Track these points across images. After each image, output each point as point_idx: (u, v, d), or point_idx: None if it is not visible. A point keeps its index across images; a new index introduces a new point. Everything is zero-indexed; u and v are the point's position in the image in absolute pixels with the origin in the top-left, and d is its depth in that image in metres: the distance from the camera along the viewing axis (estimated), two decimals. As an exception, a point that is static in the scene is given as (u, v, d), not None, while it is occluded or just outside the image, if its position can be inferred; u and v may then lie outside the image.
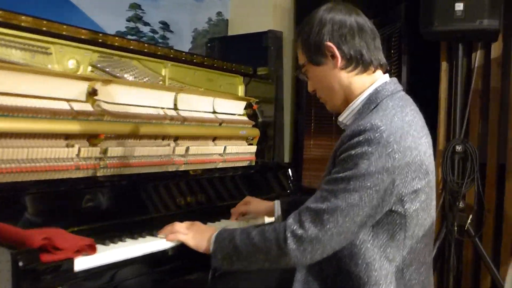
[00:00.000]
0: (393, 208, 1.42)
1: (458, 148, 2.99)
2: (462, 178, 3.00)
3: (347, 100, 1.58)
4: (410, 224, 1.44)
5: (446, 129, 3.24)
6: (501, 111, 3.04)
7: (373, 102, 1.52)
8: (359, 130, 1.40)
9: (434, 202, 1.53)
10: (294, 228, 1.43)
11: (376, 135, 1.38)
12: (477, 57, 3.12)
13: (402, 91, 1.57)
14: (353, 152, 1.39)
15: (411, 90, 3.31)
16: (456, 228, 2.94)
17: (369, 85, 1.55)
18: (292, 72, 3.71)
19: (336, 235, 1.40)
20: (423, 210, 1.46)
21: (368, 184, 1.37)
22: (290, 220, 1.45)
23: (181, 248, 1.67)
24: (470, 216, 2.93)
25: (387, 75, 1.61)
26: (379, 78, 1.57)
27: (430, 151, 1.50)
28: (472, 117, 3.14)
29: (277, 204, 1.98)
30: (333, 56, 1.54)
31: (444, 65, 3.25)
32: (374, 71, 1.57)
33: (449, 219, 2.96)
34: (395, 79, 1.59)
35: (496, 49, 3.05)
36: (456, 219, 2.94)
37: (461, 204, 2.97)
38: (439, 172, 3.12)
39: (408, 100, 1.56)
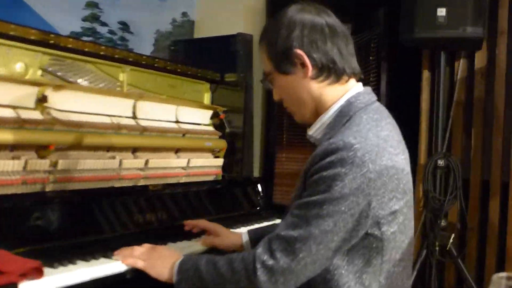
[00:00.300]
0: (369, 231, 1.42)
1: (440, 162, 3.05)
2: (444, 194, 3.06)
3: (318, 112, 1.56)
4: (387, 247, 1.44)
5: (427, 142, 3.29)
6: (485, 124, 3.11)
7: (345, 115, 1.50)
8: (331, 149, 1.39)
9: (412, 223, 1.54)
10: (264, 258, 1.42)
11: (350, 154, 1.37)
12: (460, 66, 3.19)
13: (377, 102, 1.57)
14: (325, 173, 1.38)
15: (390, 100, 3.38)
16: (437, 248, 2.98)
17: (341, 96, 1.54)
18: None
19: (310, 264, 1.40)
20: (401, 232, 1.46)
21: (343, 209, 1.37)
22: (260, 250, 1.44)
23: (139, 272, 1.65)
24: (453, 236, 2.98)
25: (360, 84, 1.60)
26: (352, 88, 1.56)
27: (407, 168, 1.50)
28: (455, 130, 3.20)
29: (244, 236, 1.96)
30: (303, 65, 1.51)
31: (426, 74, 3.31)
32: (347, 80, 1.56)
33: (430, 239, 3.01)
34: (369, 89, 1.59)
35: (480, 58, 3.13)
36: (437, 239, 2.99)
37: (443, 223, 3.02)
38: (420, 189, 3.17)
39: (384, 112, 1.55)
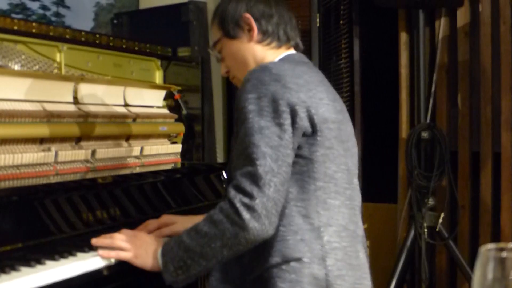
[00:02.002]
0: (298, 152, 1.63)
1: (424, 134, 3.10)
2: (430, 170, 3.11)
3: None
4: (318, 171, 1.64)
5: (409, 112, 3.35)
6: (471, 89, 3.17)
7: None
8: (248, 74, 1.66)
9: (344, 161, 1.71)
10: (240, 197, 1.56)
11: (266, 72, 1.64)
12: (441, 26, 3.25)
13: (310, 63, 1.86)
14: (249, 95, 1.62)
15: (365, 68, 3.42)
16: (426, 230, 3.04)
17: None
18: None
19: (280, 185, 1.56)
20: (330, 160, 1.66)
21: (277, 121, 1.58)
22: (232, 193, 1.57)
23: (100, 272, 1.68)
24: (442, 215, 3.04)
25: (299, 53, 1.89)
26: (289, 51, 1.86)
27: (328, 101, 1.70)
28: (439, 98, 3.26)
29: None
30: (250, 30, 1.81)
31: (403, 37, 3.36)
32: (288, 48, 1.86)
33: (417, 220, 3.06)
34: (302, 55, 1.87)
35: (462, 16, 3.18)
36: (425, 220, 3.05)
37: (430, 201, 3.08)
38: (402, 165, 3.23)
39: (313, 69, 1.82)
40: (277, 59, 1.81)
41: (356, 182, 1.79)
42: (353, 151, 1.79)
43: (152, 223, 2.06)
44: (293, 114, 1.60)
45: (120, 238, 1.77)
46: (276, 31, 1.82)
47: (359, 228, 1.76)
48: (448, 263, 3.23)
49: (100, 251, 1.74)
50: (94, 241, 1.77)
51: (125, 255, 1.74)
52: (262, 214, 1.54)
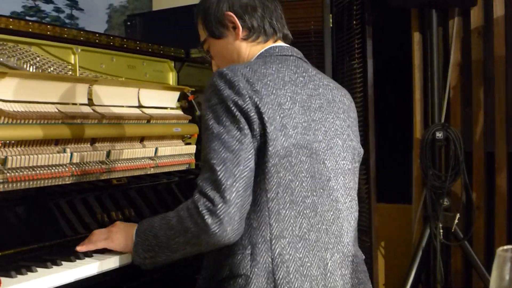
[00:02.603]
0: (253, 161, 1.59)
1: (439, 135, 3.08)
2: (445, 170, 3.10)
3: None
4: (269, 182, 1.60)
5: (423, 113, 3.34)
6: (485, 89, 3.16)
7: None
8: (209, 80, 1.65)
9: (307, 167, 1.65)
10: (203, 201, 1.56)
11: (221, 78, 1.62)
12: (455, 25, 3.23)
13: (294, 56, 1.79)
14: (208, 103, 1.62)
15: (378, 68, 3.41)
16: (441, 230, 3.03)
17: None
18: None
19: (243, 191, 1.55)
20: (285, 169, 1.61)
21: (236, 125, 1.57)
22: (197, 195, 1.58)
23: (113, 273, 1.70)
24: (457, 216, 3.02)
25: (284, 43, 1.84)
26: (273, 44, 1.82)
27: (290, 105, 1.65)
28: (453, 98, 3.25)
29: None
30: (234, 27, 1.80)
31: (416, 37, 3.35)
32: (276, 41, 1.83)
33: (432, 221, 3.05)
34: (290, 47, 1.82)
35: (475, 15, 3.17)
36: (441, 220, 3.03)
37: (445, 202, 3.06)
38: (417, 165, 3.22)
39: (292, 62, 1.76)
40: (256, 56, 1.79)
41: (335, 184, 1.70)
42: (334, 151, 1.71)
43: None
44: (248, 121, 1.58)
45: (99, 231, 1.84)
46: (262, 25, 1.80)
47: (332, 235, 1.68)
48: (463, 264, 3.22)
49: (78, 247, 1.79)
50: (78, 247, 1.80)
51: (102, 243, 1.79)
52: (224, 220, 1.53)
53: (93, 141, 2.26)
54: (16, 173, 1.94)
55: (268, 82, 1.64)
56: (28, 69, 2.17)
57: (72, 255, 1.73)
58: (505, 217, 3.07)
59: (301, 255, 1.62)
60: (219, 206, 1.53)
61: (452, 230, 3.04)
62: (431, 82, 3.19)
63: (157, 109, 2.62)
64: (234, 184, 1.54)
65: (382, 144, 3.47)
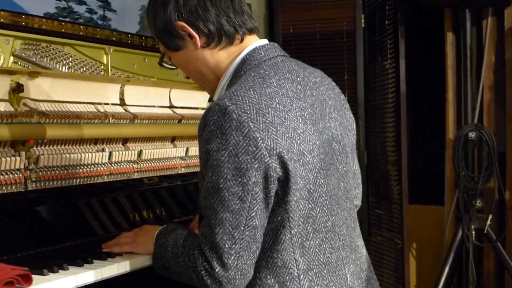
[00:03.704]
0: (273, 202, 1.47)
1: (472, 135, 3.04)
2: (478, 171, 3.05)
3: (219, 79, 1.63)
4: (293, 219, 1.47)
5: (456, 113, 3.29)
6: (520, 88, 3.10)
7: (237, 75, 1.57)
8: (207, 117, 1.45)
9: (325, 188, 1.54)
10: (202, 261, 1.48)
11: (226, 118, 1.41)
12: (488, 25, 3.18)
13: (279, 58, 1.60)
14: (209, 146, 1.43)
15: (411, 68, 3.37)
16: (473, 232, 2.98)
17: (237, 55, 1.60)
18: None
19: (244, 251, 1.45)
20: (305, 199, 1.48)
21: (240, 180, 1.41)
22: (197, 251, 1.49)
23: (143, 272, 1.69)
24: (490, 217, 2.98)
25: (261, 40, 1.64)
26: (250, 45, 1.61)
27: (304, 127, 1.50)
28: (486, 98, 3.20)
29: None
30: (190, 36, 1.58)
31: (449, 37, 3.31)
32: (241, 40, 1.61)
33: (465, 222, 3.01)
34: (272, 44, 1.63)
35: (509, 15, 3.12)
36: (473, 222, 2.99)
37: (478, 203, 3.01)
38: (450, 166, 3.17)
39: (283, 67, 1.57)
40: (235, 62, 1.59)
41: (340, 191, 1.59)
42: (335, 158, 1.58)
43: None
44: (262, 168, 1.41)
45: (124, 235, 1.81)
46: (219, 27, 1.57)
47: (347, 248, 1.61)
48: (496, 266, 3.16)
49: (104, 247, 1.78)
50: (104, 245, 1.79)
51: (127, 246, 1.75)
52: (223, 282, 1.46)
53: (124, 141, 2.27)
54: (49, 172, 1.94)
55: (278, 106, 1.47)
56: (60, 69, 2.18)
57: (103, 253, 1.73)
58: (539, 219, 3.01)
59: (326, 281, 1.54)
60: (217, 270, 1.45)
61: (485, 232, 2.99)
62: (464, 83, 3.14)
63: (188, 109, 2.62)
64: (233, 246, 1.43)
65: (415, 145, 3.43)
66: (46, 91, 2.02)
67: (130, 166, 2.24)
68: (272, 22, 3.74)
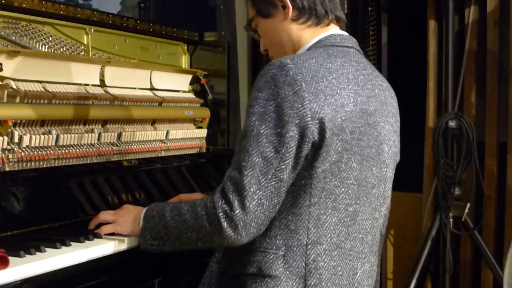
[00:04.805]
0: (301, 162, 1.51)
1: (452, 124, 3.05)
2: (457, 160, 3.07)
3: None
4: (315, 187, 1.52)
5: (436, 101, 3.30)
6: (500, 78, 3.11)
7: (309, 50, 1.65)
8: (266, 69, 1.53)
9: (356, 175, 1.58)
10: (221, 203, 1.52)
11: (283, 72, 1.50)
12: (471, 14, 3.18)
13: (354, 49, 1.68)
14: (259, 94, 1.51)
15: (392, 55, 3.38)
16: (451, 220, 3.01)
17: (317, 37, 1.68)
18: (247, 37, 3.70)
19: (266, 200, 1.50)
20: (333, 175, 1.53)
21: (279, 130, 1.47)
22: (217, 195, 1.54)
23: (122, 254, 1.70)
24: (468, 205, 3.00)
25: (341, 31, 1.72)
26: (330, 30, 1.70)
27: (353, 108, 1.56)
28: (467, 87, 3.20)
29: None
30: (284, 7, 1.66)
31: (432, 25, 3.30)
32: (328, 24, 1.70)
33: (443, 210, 3.03)
34: (350, 37, 1.70)
35: (491, 4, 3.12)
36: (451, 209, 3.01)
37: (456, 191, 3.03)
38: (429, 154, 3.19)
39: (353, 57, 1.65)
40: (313, 41, 1.66)
41: (377, 192, 1.65)
42: (380, 158, 1.64)
43: (183, 196, 2.05)
44: (301, 126, 1.47)
45: (105, 212, 1.82)
46: (313, 6, 1.65)
47: (366, 245, 1.65)
48: (472, 254, 3.19)
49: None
50: (89, 226, 1.81)
51: (111, 228, 1.77)
52: (239, 226, 1.50)
53: (104, 122, 2.25)
54: (28, 153, 1.93)
55: (333, 80, 1.53)
56: (40, 48, 2.16)
57: (81, 236, 1.72)
58: (516, 208, 3.04)
59: (335, 264, 1.57)
60: (236, 212, 1.49)
61: (462, 220, 3.01)
62: (445, 71, 3.15)
63: (169, 92, 2.61)
64: (257, 192, 1.48)
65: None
66: (25, 70, 1.99)
67: (110, 148, 2.23)
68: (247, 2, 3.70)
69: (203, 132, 2.73)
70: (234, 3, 3.40)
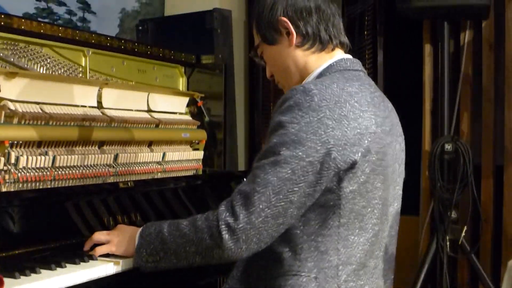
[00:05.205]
0: (328, 185, 1.53)
1: (448, 147, 3.06)
2: (453, 183, 3.07)
3: (303, 80, 1.71)
4: (344, 207, 1.54)
5: (432, 124, 3.31)
6: (496, 102, 3.13)
7: (322, 75, 1.67)
8: (290, 94, 1.55)
9: (379, 194, 1.61)
10: (225, 215, 1.53)
11: (307, 98, 1.52)
12: (466, 38, 3.21)
13: (361, 72, 1.71)
14: (283, 118, 1.53)
15: (388, 79, 3.39)
16: (448, 243, 3.00)
17: (325, 62, 1.70)
18: (244, 60, 3.72)
19: (271, 218, 1.50)
20: (361, 195, 1.56)
21: (300, 154, 1.49)
22: (222, 208, 1.55)
23: (118, 276, 1.68)
24: (465, 228, 3.00)
25: (347, 55, 1.75)
26: (337, 55, 1.72)
27: (376, 129, 1.59)
28: (463, 110, 3.22)
29: None
30: (288, 33, 1.69)
31: (427, 48, 3.33)
32: (333, 49, 1.72)
33: (439, 233, 3.02)
34: (357, 60, 1.73)
35: (487, 28, 3.15)
36: (448, 232, 3.00)
37: (453, 214, 3.03)
38: (425, 177, 3.19)
39: (364, 80, 1.68)
40: (322, 66, 1.68)
41: (392, 209, 1.70)
42: (394, 177, 1.68)
43: None
44: (322, 153, 1.49)
45: (99, 233, 1.80)
46: (317, 32, 1.68)
47: (386, 262, 1.69)
48: (470, 277, 3.18)
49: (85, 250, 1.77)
50: (84, 248, 1.79)
51: (105, 248, 1.75)
52: (241, 239, 1.51)
53: (101, 144, 2.25)
54: (25, 174, 1.93)
55: (355, 104, 1.56)
56: (38, 70, 2.17)
57: (76, 257, 1.71)
58: (513, 231, 3.04)
59: (362, 283, 1.60)
60: (240, 226, 1.50)
61: (459, 243, 3.00)
62: (441, 94, 3.16)
63: (166, 114, 2.62)
64: (266, 210, 1.49)
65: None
66: (22, 92, 2.00)
67: (106, 169, 2.23)
68: (252, 29, 3.73)
69: (200, 154, 2.73)
70: (231, 26, 3.42)
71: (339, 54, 1.73)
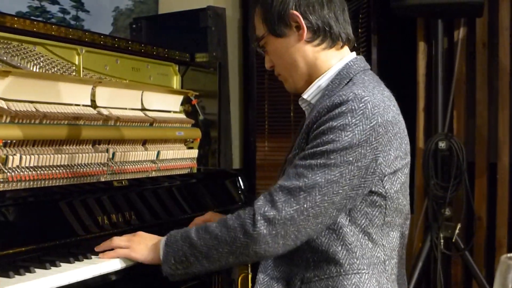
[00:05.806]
0: (373, 189, 1.56)
1: (441, 144, 3.07)
2: (447, 181, 3.08)
3: (311, 77, 1.70)
4: (390, 207, 1.60)
5: (426, 122, 3.32)
6: (489, 99, 3.14)
7: (345, 77, 1.64)
8: (341, 100, 1.54)
9: (406, 190, 1.68)
10: (265, 209, 1.52)
11: (361, 105, 1.52)
12: (460, 36, 3.22)
13: (371, 70, 1.72)
14: (334, 123, 1.52)
15: (382, 77, 3.39)
16: (442, 240, 3.01)
17: (337, 61, 1.69)
18: (239, 58, 3.72)
19: (312, 217, 1.51)
20: (402, 194, 1.62)
21: (350, 159, 1.51)
22: (260, 202, 1.55)
23: (114, 275, 1.69)
24: (459, 226, 3.01)
25: (354, 53, 1.74)
26: (347, 55, 1.71)
27: (404, 129, 1.64)
28: (457, 108, 3.23)
29: None
30: (298, 27, 1.65)
31: (421, 46, 3.34)
32: (342, 46, 1.71)
33: (433, 230, 3.03)
34: (363, 58, 1.73)
35: (481, 26, 3.16)
36: (442, 230, 3.01)
37: (447, 212, 3.04)
38: (419, 175, 3.20)
39: (377, 78, 1.71)
40: (338, 65, 1.66)
41: (406, 203, 1.74)
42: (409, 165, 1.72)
43: (198, 219, 2.04)
44: (370, 159, 1.51)
45: (118, 238, 1.77)
46: (328, 28, 1.64)
47: (404, 250, 1.74)
48: (463, 274, 3.19)
49: (101, 254, 1.73)
50: (97, 248, 1.76)
51: (124, 252, 1.72)
52: (279, 234, 1.51)
53: (95, 142, 2.25)
54: (16, 173, 1.92)
55: (393, 108, 1.59)
56: (32, 68, 2.16)
57: (71, 257, 1.71)
58: (506, 228, 3.05)
59: (398, 273, 1.66)
60: (282, 220, 1.50)
61: (453, 240, 3.02)
62: (435, 92, 3.17)
63: (160, 112, 2.61)
64: (309, 209, 1.51)
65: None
66: (16, 90, 1.99)
67: (100, 168, 2.22)
68: (246, 27, 3.75)
69: (194, 153, 2.73)
70: (225, 24, 3.42)
71: (347, 52, 1.72)
